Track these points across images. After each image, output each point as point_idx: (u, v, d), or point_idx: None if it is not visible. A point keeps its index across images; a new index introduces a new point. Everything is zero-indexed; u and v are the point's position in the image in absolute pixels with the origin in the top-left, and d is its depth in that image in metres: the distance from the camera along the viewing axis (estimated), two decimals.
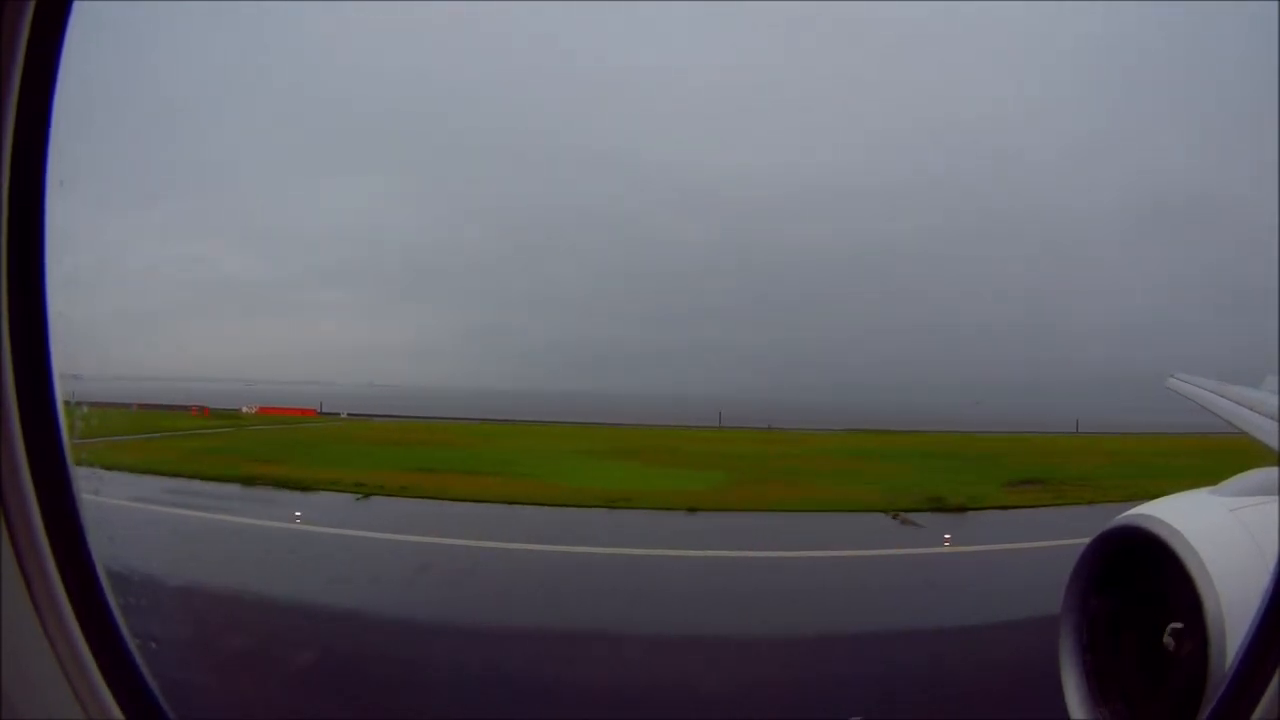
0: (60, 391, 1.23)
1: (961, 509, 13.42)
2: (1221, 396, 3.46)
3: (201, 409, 34.92)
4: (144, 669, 1.33)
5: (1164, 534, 2.15)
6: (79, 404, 1.32)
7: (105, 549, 1.30)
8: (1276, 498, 2.20)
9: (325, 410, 40.66)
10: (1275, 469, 2.42)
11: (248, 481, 14.99)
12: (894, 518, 12.77)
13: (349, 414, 39.23)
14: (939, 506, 13.45)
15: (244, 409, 37.40)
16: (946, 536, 11.12)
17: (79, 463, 1.27)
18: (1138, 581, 2.32)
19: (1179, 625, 2.09)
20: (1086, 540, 2.44)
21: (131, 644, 1.32)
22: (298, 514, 11.80)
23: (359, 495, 13.94)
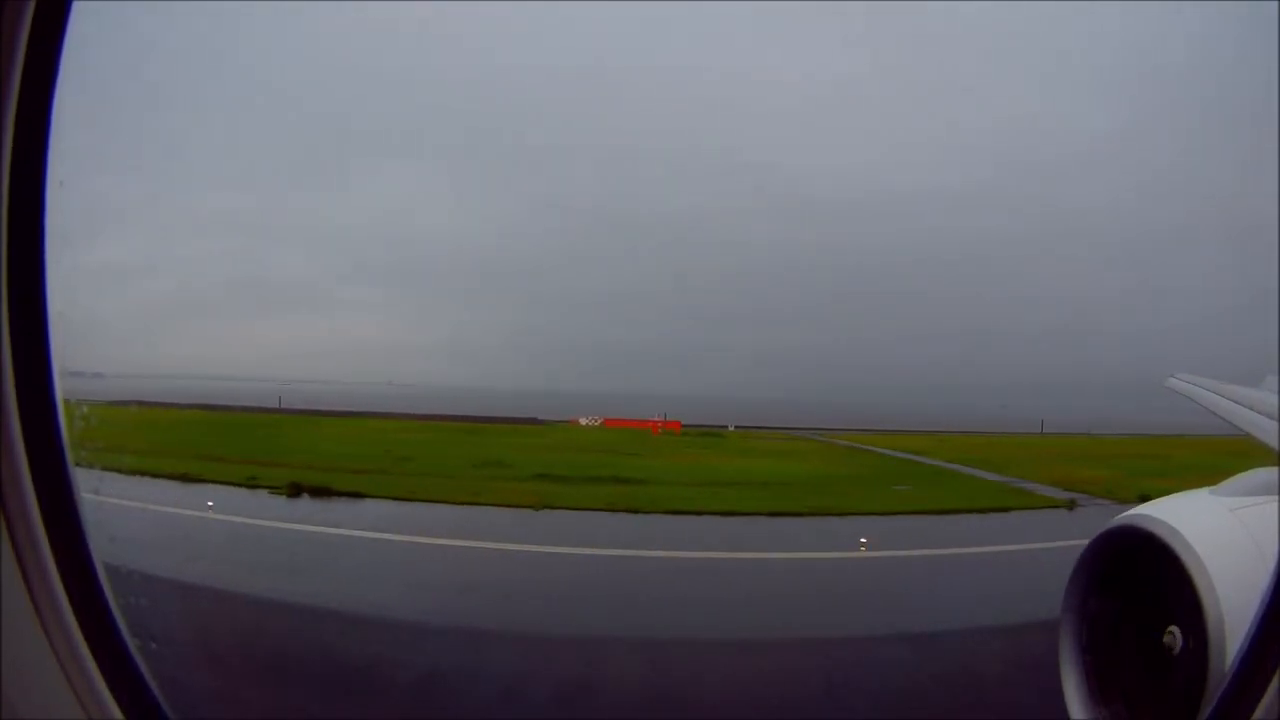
0: (60, 391, 1.23)
1: None
2: (1221, 396, 3.46)
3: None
4: (144, 669, 1.33)
5: (1164, 534, 2.15)
6: (79, 403, 1.32)
7: (108, 549, 1.31)
8: (1276, 498, 2.20)
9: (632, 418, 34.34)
10: (1275, 469, 2.42)
11: None
12: None
13: (736, 426, 32.86)
14: None
15: (584, 421, 33.18)
16: None
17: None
18: (1138, 582, 2.32)
19: (1179, 625, 2.09)
20: None
21: (131, 644, 1.32)
22: None
23: None
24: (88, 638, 1.20)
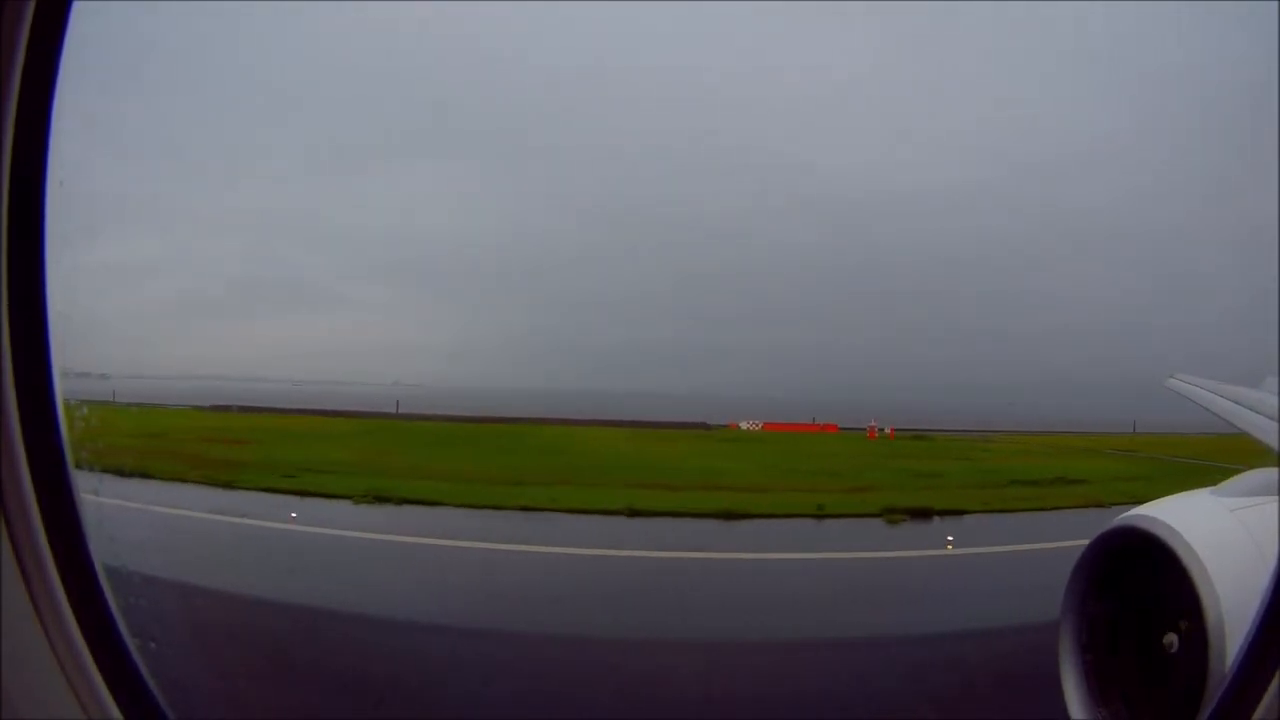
0: (60, 391, 1.23)
1: None
2: (1221, 397, 3.47)
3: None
4: (144, 669, 1.33)
5: (1164, 535, 2.15)
6: (79, 404, 1.32)
7: (106, 549, 1.31)
8: (1276, 498, 2.20)
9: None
10: (1275, 469, 2.42)
11: None
12: None
13: (891, 429, 29.30)
14: None
15: (744, 425, 31.64)
16: None
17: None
18: (1137, 582, 2.32)
19: (1179, 626, 2.09)
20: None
21: (131, 644, 1.32)
22: None
23: None
24: (88, 638, 1.20)
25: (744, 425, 31.84)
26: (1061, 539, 9.50)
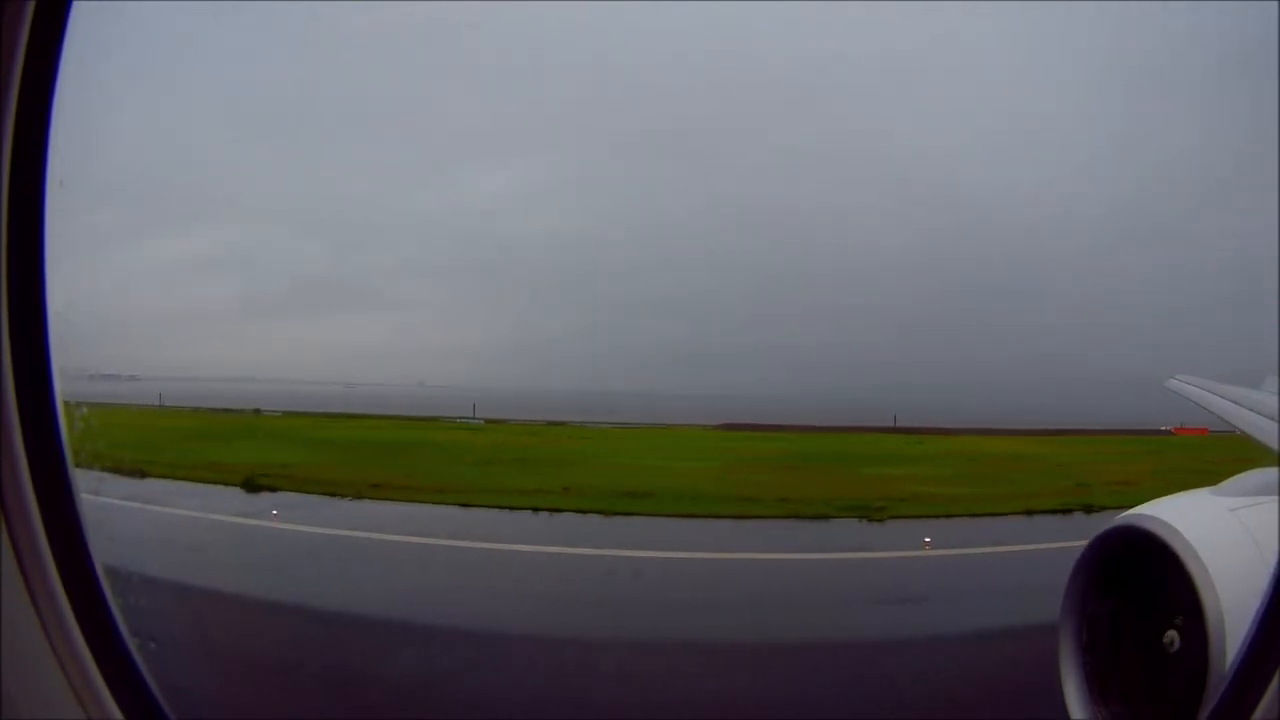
0: (60, 391, 1.23)
1: None
2: (1221, 397, 3.47)
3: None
4: (144, 669, 1.33)
5: (1164, 534, 2.15)
6: (79, 404, 1.32)
7: (107, 549, 1.31)
8: (1276, 498, 2.20)
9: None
10: (1275, 469, 2.42)
11: None
12: None
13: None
14: None
15: (1167, 429, 29.48)
16: None
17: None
18: (1137, 582, 2.32)
19: (1179, 626, 2.09)
20: None
21: (131, 644, 1.32)
22: None
23: None
24: (88, 638, 1.21)
25: (1163, 428, 30.34)
26: None
